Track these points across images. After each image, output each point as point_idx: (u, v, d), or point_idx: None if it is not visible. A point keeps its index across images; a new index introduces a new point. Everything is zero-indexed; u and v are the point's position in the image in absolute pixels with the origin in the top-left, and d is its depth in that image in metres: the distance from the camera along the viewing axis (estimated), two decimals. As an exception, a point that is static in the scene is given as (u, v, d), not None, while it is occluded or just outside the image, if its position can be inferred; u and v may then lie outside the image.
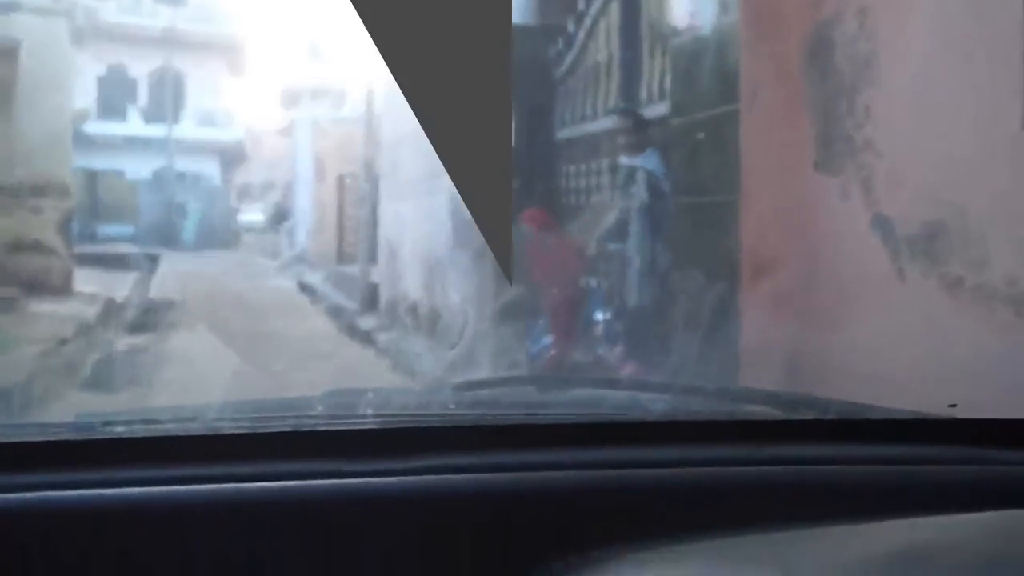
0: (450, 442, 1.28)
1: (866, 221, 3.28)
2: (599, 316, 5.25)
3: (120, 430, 1.36)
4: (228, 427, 1.43)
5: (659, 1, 5.39)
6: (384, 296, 12.30)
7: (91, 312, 10.78)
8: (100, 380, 7.50)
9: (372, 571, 1.16)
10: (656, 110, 5.28)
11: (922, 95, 3.22)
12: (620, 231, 5.16)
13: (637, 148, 5.21)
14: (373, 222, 13.66)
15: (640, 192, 5.02)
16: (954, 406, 1.47)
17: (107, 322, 10.97)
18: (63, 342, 8.44)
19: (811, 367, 3.22)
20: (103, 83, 33.95)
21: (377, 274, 12.97)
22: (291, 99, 29.30)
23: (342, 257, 18.98)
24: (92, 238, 25.71)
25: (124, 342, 9.86)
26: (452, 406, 1.86)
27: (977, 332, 2.93)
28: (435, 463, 1.22)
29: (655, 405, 1.87)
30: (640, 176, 5.05)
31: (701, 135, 4.07)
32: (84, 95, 28.22)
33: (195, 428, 1.46)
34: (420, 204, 10.46)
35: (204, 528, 1.14)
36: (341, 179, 20.38)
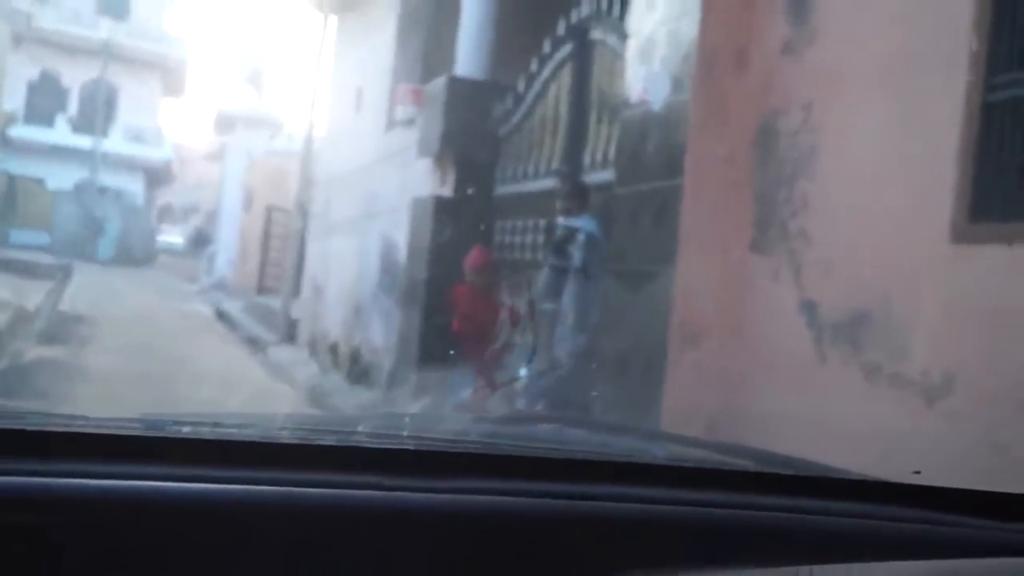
0: (481, 468, 1.38)
1: (794, 304, 3.43)
2: (523, 372, 5.32)
3: (187, 430, 1.46)
4: (284, 436, 1.56)
5: (612, 73, 5.55)
6: (304, 332, 12.23)
7: (1, 320, 10.52)
8: (5, 389, 7.33)
9: (399, 573, 1.27)
10: (600, 176, 5.41)
11: (857, 191, 3.39)
12: (553, 289, 5.25)
13: (576, 211, 5.32)
14: (299, 257, 13.60)
15: (576, 254, 5.13)
16: (918, 472, 1.58)
17: (16, 331, 10.72)
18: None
19: (728, 432, 3.34)
20: (34, 88, 33.36)
21: (298, 309, 12.89)
22: (225, 125, 29.07)
23: (263, 289, 18.78)
24: (4, 243, 25.15)
25: (33, 353, 9.64)
26: (483, 436, 1.95)
27: (888, 416, 3.09)
28: (466, 485, 1.32)
29: (660, 451, 2.00)
30: (578, 238, 5.17)
31: (643, 205, 4.20)
32: (14, 99, 27.72)
33: (254, 434, 1.57)
34: (349, 244, 10.49)
35: (255, 525, 1.23)
36: (269, 210, 20.22)
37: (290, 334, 12.84)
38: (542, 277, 5.58)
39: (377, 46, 10.29)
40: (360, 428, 1.74)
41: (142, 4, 36.10)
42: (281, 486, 1.25)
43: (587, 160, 5.79)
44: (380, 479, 1.28)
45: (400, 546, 1.27)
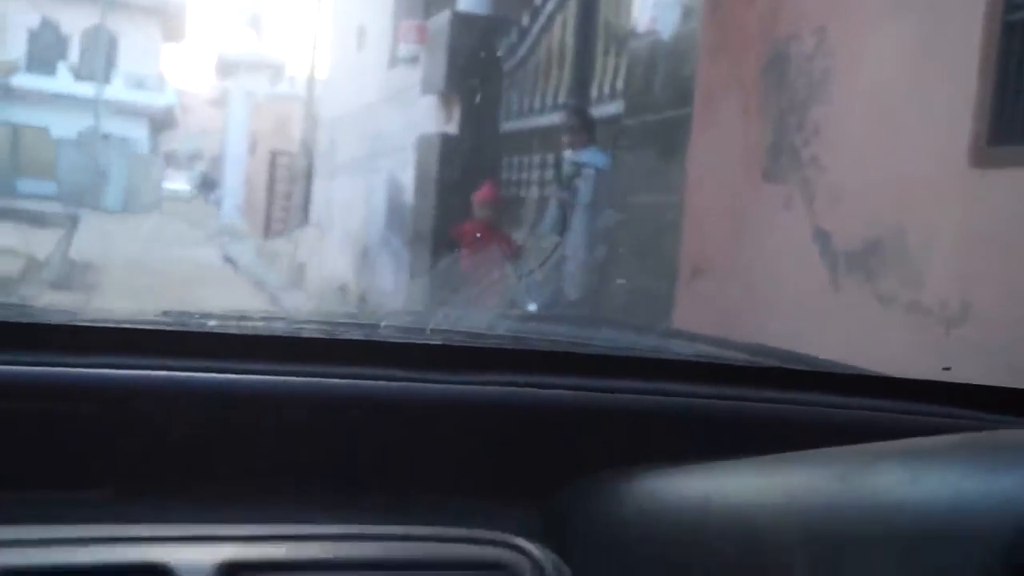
0: (505, 362, 1.39)
1: (807, 233, 3.37)
2: (531, 307, 5.26)
3: (213, 324, 1.45)
4: (309, 331, 1.55)
5: (619, 3, 5.43)
6: (311, 274, 12.19)
7: (13, 268, 10.50)
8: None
9: (425, 464, 1.29)
10: (608, 109, 5.32)
11: (871, 117, 3.31)
12: (560, 224, 5.18)
13: (583, 144, 5.23)
14: (305, 200, 13.52)
15: (583, 188, 5.05)
16: (948, 369, 1.61)
17: (27, 279, 10.70)
18: (-18, 296, 8.21)
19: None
20: (34, 36, 33.04)
21: (305, 252, 12.85)
22: (227, 69, 28.79)
23: (269, 232, 18.70)
24: (11, 193, 25.03)
25: (45, 299, 9.63)
26: (508, 332, 1.93)
27: (904, 344, 3.05)
28: (490, 378, 1.34)
29: (682, 348, 1.97)
30: (584, 172, 5.08)
31: (651, 136, 4.12)
32: (14, 48, 27.42)
33: (279, 328, 1.57)
34: (355, 185, 10.41)
35: (279, 415, 1.25)
36: (273, 154, 20.09)
37: (297, 277, 12.81)
38: (549, 212, 5.51)
39: (379, -18, 10.13)
40: (384, 324, 1.73)
41: (139, -52, 35.65)
42: (307, 377, 1.26)
43: (594, 93, 5.69)
44: (405, 372, 1.30)
45: (424, 435, 1.29)
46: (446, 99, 7.38)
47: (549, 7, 6.40)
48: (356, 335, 1.53)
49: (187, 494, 1.20)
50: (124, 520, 1.09)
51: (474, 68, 7.02)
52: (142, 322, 1.41)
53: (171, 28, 36.32)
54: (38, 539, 0.93)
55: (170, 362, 1.24)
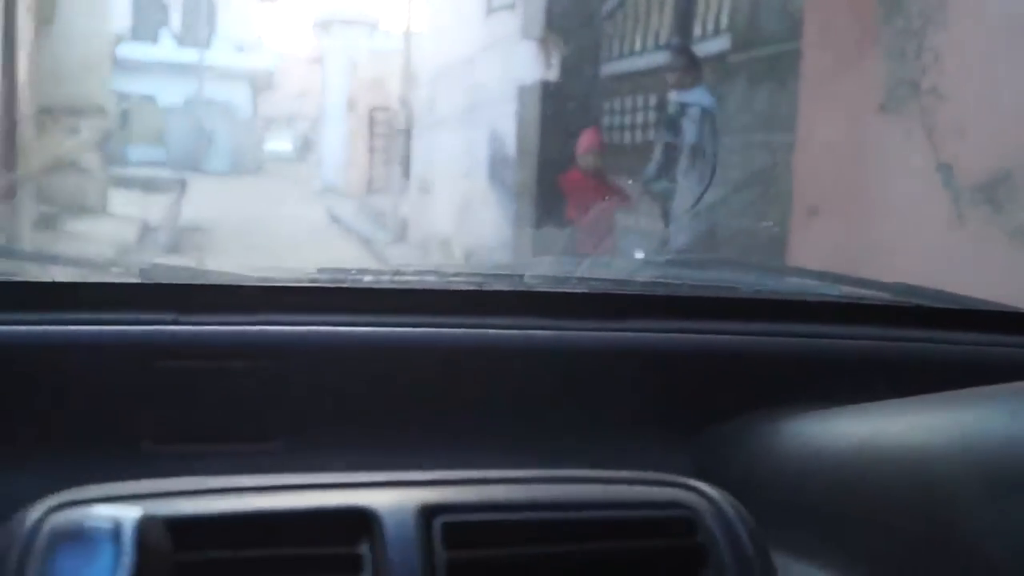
0: (651, 309, 1.42)
1: (928, 166, 3.23)
2: (639, 255, 5.19)
3: (368, 279, 1.50)
4: (459, 283, 1.57)
5: None
6: (414, 230, 12.28)
7: (129, 233, 10.81)
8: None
9: (576, 410, 1.32)
10: (713, 46, 5.18)
11: (995, 41, 3.15)
12: (667, 168, 5.09)
13: (689, 84, 5.10)
14: (406, 156, 13.58)
15: (690, 129, 4.94)
16: None
17: (143, 243, 10.99)
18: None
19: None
20: (137, 7, 33.75)
21: (408, 207, 12.93)
22: (323, 28, 28.99)
23: (372, 190, 18.87)
24: (124, 161, 25.71)
25: (160, 262, 9.87)
26: (652, 278, 1.91)
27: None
28: (637, 325, 1.37)
29: (828, 290, 1.92)
30: (691, 112, 4.97)
31: (760, 72, 3.99)
32: (118, 18, 28.07)
33: (431, 282, 1.58)
34: (455, 138, 10.40)
35: (434, 366, 1.30)
36: (372, 110, 20.21)
37: (401, 233, 12.91)
38: (655, 155, 5.41)
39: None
40: (529, 274, 1.73)
41: (233, -88, 36.00)
42: (459, 328, 1.31)
43: (697, 31, 5.56)
44: (552, 321, 1.33)
45: (576, 381, 1.31)
46: (545, 45, 7.29)
47: (647, -55, 6.27)
48: (504, 286, 1.54)
49: (358, 444, 1.23)
50: (293, 469, 1.09)
51: (573, 11, 6.92)
52: (301, 279, 1.46)
53: (268, -10, 36.72)
54: (231, 487, 0.95)
55: (331, 317, 1.28)
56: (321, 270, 1.55)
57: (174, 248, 11.29)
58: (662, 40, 6.02)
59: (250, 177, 28.66)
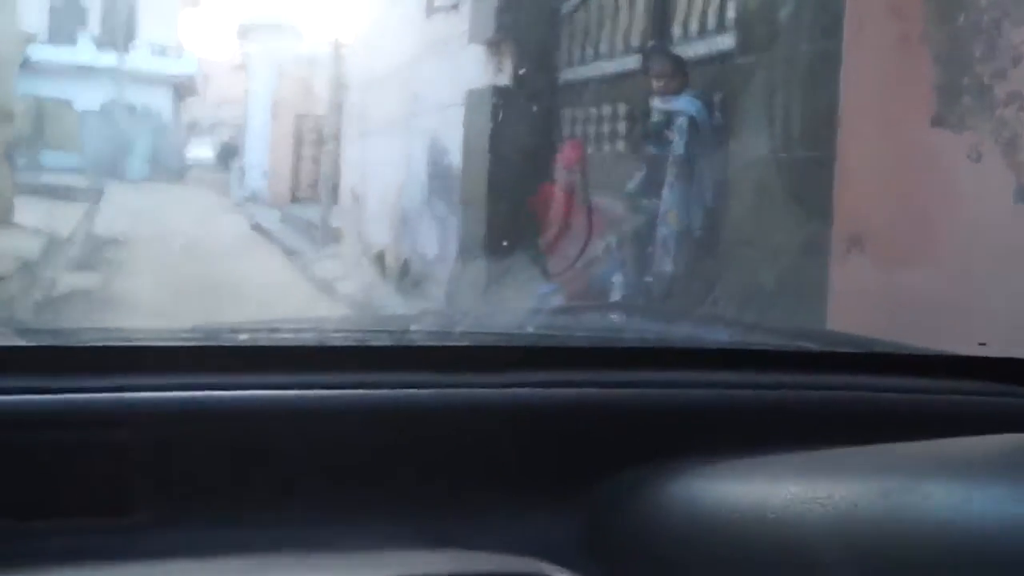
0: (536, 360, 1.38)
1: (1006, 189, 2.68)
2: (616, 279, 4.63)
3: (244, 337, 1.45)
4: (340, 339, 1.56)
5: None
6: (346, 242, 11.60)
7: (33, 247, 9.97)
8: (39, 325, 6.78)
9: (462, 470, 1.26)
10: (710, 46, 4.60)
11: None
12: (651, 185, 4.50)
13: (675, 90, 4.53)
14: (335, 164, 12.92)
15: (678, 140, 4.37)
16: (984, 344, 1.54)
17: (49, 259, 10.19)
18: (1, 279, 7.70)
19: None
20: (54, 8, 32.62)
21: (338, 218, 12.26)
22: (248, 33, 28.19)
23: (297, 199, 18.26)
24: (35, 168, 24.66)
25: (67, 281, 9.10)
26: (539, 329, 1.94)
27: None
28: (522, 379, 1.31)
29: (717, 335, 1.94)
30: (678, 122, 4.40)
31: (780, 77, 3.42)
32: (34, 20, 26.94)
33: (310, 339, 1.56)
34: (391, 146, 9.79)
35: (317, 429, 1.24)
36: (299, 118, 19.59)
37: (331, 244, 12.26)
38: (638, 170, 4.83)
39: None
40: (413, 327, 1.78)
41: (154, -87, 35.01)
42: (340, 389, 1.26)
43: (677, 31, 4.99)
44: (436, 377, 1.29)
45: (456, 442, 1.27)
46: (496, 47, 6.70)
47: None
48: (386, 341, 1.54)
49: (224, 517, 1.18)
50: (162, 546, 1.11)
51: (527, 11, 6.32)
52: (171, 339, 1.42)
53: (190, -7, 35.84)
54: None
55: (202, 380, 1.23)
56: (195, 328, 1.54)
57: (85, 263, 10.55)
58: (634, 42, 5.44)
59: (171, 185, 27.83)
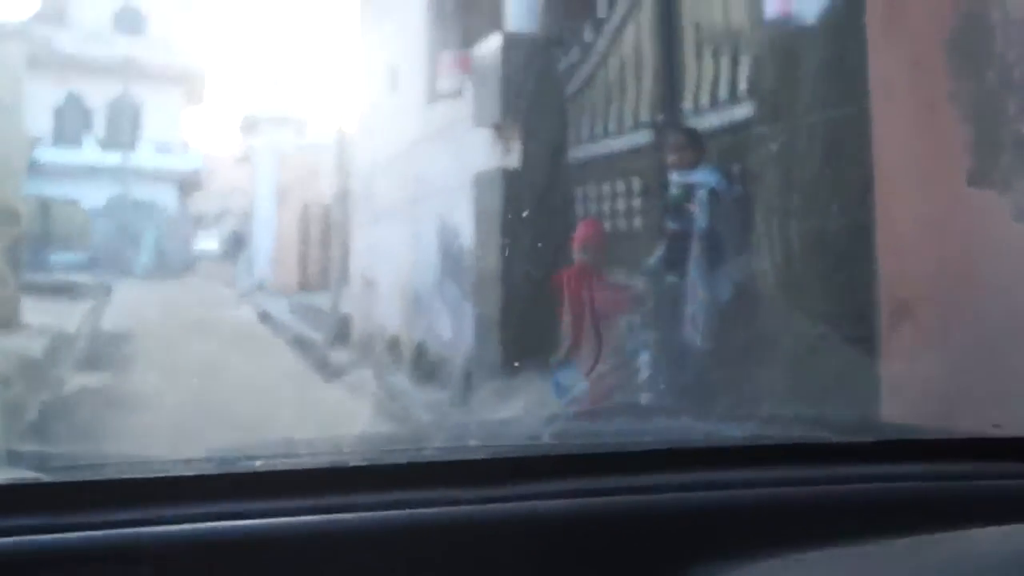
0: (555, 470, 1.36)
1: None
2: (643, 359, 4.47)
3: (259, 464, 1.43)
4: (355, 460, 1.55)
5: None
6: (357, 329, 11.46)
7: (38, 346, 9.86)
8: (46, 428, 6.62)
9: None
10: (711, 120, 4.53)
11: None
12: (674, 261, 4.36)
13: (692, 163, 4.42)
14: (343, 250, 12.85)
15: (699, 215, 4.25)
16: (998, 426, 1.55)
17: (56, 358, 10.07)
18: (5, 382, 7.56)
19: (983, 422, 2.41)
20: (59, 112, 33.10)
21: (349, 304, 12.14)
22: (250, 127, 28.48)
23: (305, 287, 18.19)
24: (43, 267, 24.75)
25: (74, 382, 8.96)
26: (556, 437, 1.93)
27: None
28: (542, 490, 1.30)
29: (734, 432, 1.92)
30: (698, 196, 4.27)
31: (803, 144, 3.31)
32: (40, 123, 27.30)
33: (324, 461, 1.55)
34: (400, 231, 9.71)
35: (339, 555, 1.22)
36: (305, 206, 19.62)
37: (341, 332, 12.11)
38: (658, 247, 4.70)
39: (409, 17, 9.49)
40: (429, 442, 1.81)
41: (158, 17, 35.65)
42: (358, 511, 1.25)
43: (688, 104, 4.91)
44: (455, 493, 1.28)
45: (479, 560, 1.24)
46: (503, 130, 6.64)
47: (618, 15, 5.64)
48: (402, 459, 1.52)
49: None
50: None
51: (533, 93, 6.27)
52: (187, 469, 1.39)
53: (194, 91, 36.28)
54: None
55: (221, 509, 1.20)
56: (209, 456, 1.54)
57: (92, 360, 10.43)
58: (643, 116, 5.36)
59: (178, 279, 27.90)
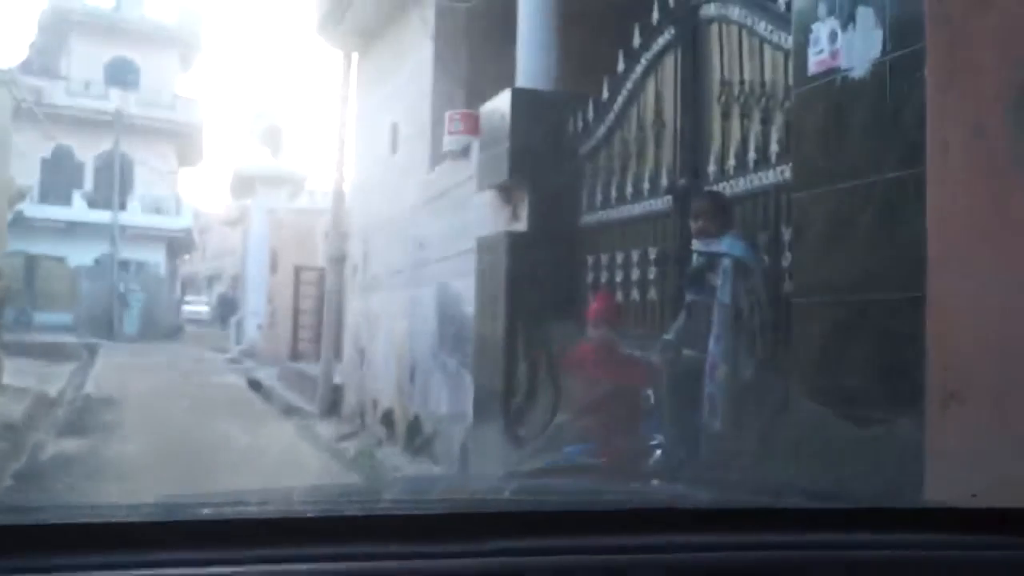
0: (511, 527, 1.35)
1: None
2: (657, 440, 4.14)
3: (207, 512, 1.44)
4: (307, 511, 1.57)
5: (744, 53, 4.31)
6: (349, 399, 11.06)
7: (17, 410, 9.44)
8: (21, 497, 6.23)
9: None
10: (739, 184, 4.22)
11: None
12: (695, 334, 4.02)
13: (717, 231, 4.09)
14: (337, 317, 12.46)
15: (722, 285, 3.92)
16: (975, 496, 1.59)
17: (36, 421, 9.65)
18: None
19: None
20: (47, 165, 32.83)
21: (341, 374, 11.75)
22: (244, 187, 28.21)
23: (296, 354, 17.77)
24: (27, 326, 24.31)
25: (54, 446, 8.56)
26: (514, 494, 1.90)
27: None
28: (497, 547, 1.29)
29: (700, 495, 1.91)
30: (722, 265, 3.95)
31: (851, 210, 3.00)
32: (27, 177, 27.04)
33: (275, 511, 1.53)
34: (396, 298, 9.38)
35: None
36: (297, 270, 19.28)
37: (333, 402, 11.69)
38: (678, 319, 4.36)
39: (412, 75, 9.24)
40: (385, 496, 1.80)
41: (152, 72, 35.62)
42: (307, 562, 1.23)
43: (713, 168, 4.61)
44: (409, 547, 1.27)
45: None
46: (510, 192, 6.34)
47: (637, 72, 5.38)
48: (355, 511, 1.51)
49: None
50: None
51: (543, 153, 5.98)
52: (133, 515, 1.39)
53: (186, 149, 36.16)
54: None
55: (165, 557, 1.19)
56: (157, 503, 1.56)
57: (73, 426, 10.03)
58: (662, 181, 5.06)
59: (165, 342, 27.47)
